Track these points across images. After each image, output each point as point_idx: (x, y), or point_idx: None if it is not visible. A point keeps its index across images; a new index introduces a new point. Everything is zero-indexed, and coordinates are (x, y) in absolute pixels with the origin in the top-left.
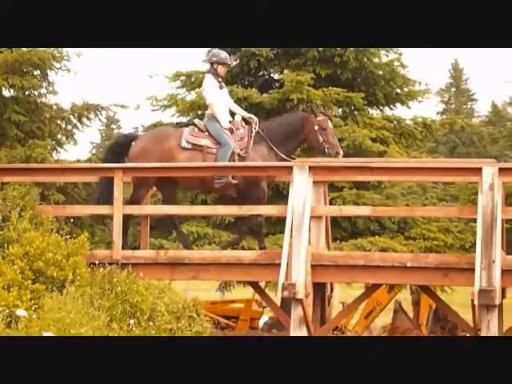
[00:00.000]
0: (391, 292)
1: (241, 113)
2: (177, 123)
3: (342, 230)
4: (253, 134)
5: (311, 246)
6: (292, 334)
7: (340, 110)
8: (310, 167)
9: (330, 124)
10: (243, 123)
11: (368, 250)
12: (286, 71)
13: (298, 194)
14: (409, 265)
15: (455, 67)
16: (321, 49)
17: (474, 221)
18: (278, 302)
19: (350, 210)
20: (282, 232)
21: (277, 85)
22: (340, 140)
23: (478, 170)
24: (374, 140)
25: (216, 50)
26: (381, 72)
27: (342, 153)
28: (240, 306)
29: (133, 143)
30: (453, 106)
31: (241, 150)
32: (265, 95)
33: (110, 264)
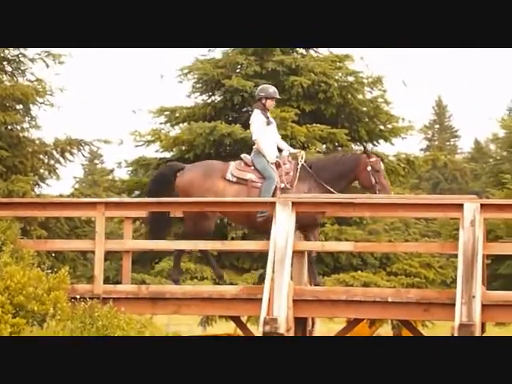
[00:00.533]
0: (372, 327)
1: (288, 148)
2: (160, 159)
3: (325, 265)
4: (298, 168)
5: (293, 281)
6: None
7: (324, 146)
8: (293, 203)
9: (382, 165)
10: (290, 158)
11: (350, 285)
12: None
13: (280, 229)
14: (390, 300)
15: (439, 104)
16: (305, 85)
17: (456, 256)
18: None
19: (332, 246)
20: (265, 267)
21: None
22: None
23: (460, 206)
24: None
25: (264, 85)
26: (365, 108)
27: (390, 193)
28: None
29: (178, 174)
30: (436, 142)
31: (287, 183)
32: (249, 131)
33: (92, 298)
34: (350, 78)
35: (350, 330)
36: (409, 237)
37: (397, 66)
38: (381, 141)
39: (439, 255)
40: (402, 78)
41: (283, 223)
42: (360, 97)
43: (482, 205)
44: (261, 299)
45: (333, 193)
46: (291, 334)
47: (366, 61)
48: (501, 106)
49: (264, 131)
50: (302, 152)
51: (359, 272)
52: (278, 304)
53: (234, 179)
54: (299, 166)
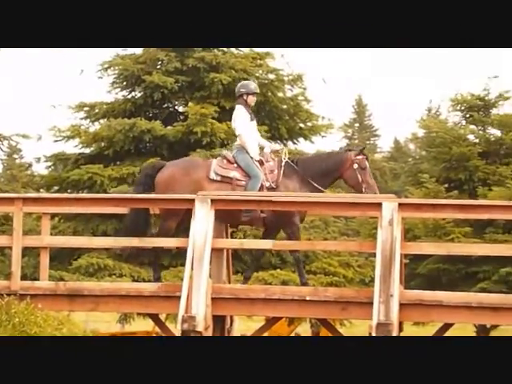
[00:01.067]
0: (291, 325)
1: (269, 145)
2: (79, 154)
3: (244, 263)
4: (283, 165)
5: (212, 279)
6: None
7: None
8: (211, 200)
9: (367, 164)
10: (272, 156)
11: (269, 283)
12: (190, 104)
13: (199, 227)
14: (308, 298)
15: (359, 103)
16: (225, 82)
17: (374, 255)
18: (178, 334)
19: (251, 244)
20: (183, 265)
21: (181, 117)
22: None
23: (378, 205)
24: None
25: (245, 81)
26: (285, 106)
27: (378, 193)
28: None
29: (160, 171)
30: (356, 141)
31: (272, 182)
32: (169, 128)
33: (9, 295)
34: (271, 76)
35: (268, 328)
36: (328, 235)
37: (318, 65)
38: (300, 139)
39: (358, 254)
40: (322, 76)
41: (202, 221)
42: (280, 94)
43: (400, 204)
44: (179, 297)
45: (320, 190)
46: (209, 332)
47: (286, 59)
48: (420, 107)
49: (247, 127)
50: (285, 148)
51: (278, 270)
52: (196, 302)
53: (218, 178)
54: (283, 163)
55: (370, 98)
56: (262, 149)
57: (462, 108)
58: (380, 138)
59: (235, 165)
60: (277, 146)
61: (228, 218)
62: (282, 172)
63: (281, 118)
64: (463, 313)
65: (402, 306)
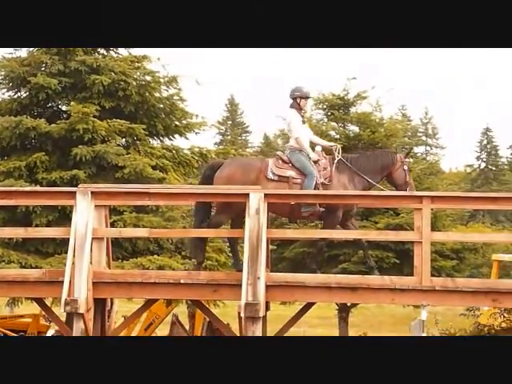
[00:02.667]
0: (169, 306)
1: (322, 143)
2: None
3: (124, 249)
4: (335, 162)
5: (93, 265)
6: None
7: (123, 140)
8: (92, 192)
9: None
10: (324, 153)
11: (147, 268)
12: (72, 103)
13: (80, 217)
14: (182, 281)
15: (231, 102)
16: (105, 83)
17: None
18: (64, 316)
19: (129, 232)
20: (67, 252)
21: (64, 116)
22: (123, 167)
23: (246, 196)
24: (154, 168)
25: (298, 86)
26: (161, 105)
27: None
28: (28, 320)
29: (219, 170)
30: (229, 137)
31: (325, 179)
32: (53, 125)
33: None
34: (148, 78)
35: (146, 309)
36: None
37: (192, 67)
38: (176, 135)
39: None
40: (195, 78)
41: (83, 212)
42: (157, 95)
43: (265, 194)
44: (62, 282)
45: (373, 184)
46: (91, 313)
47: (162, 61)
48: (287, 104)
49: (302, 129)
50: (338, 146)
51: (155, 256)
52: (78, 286)
53: (276, 177)
54: (336, 161)
55: (241, 97)
56: (313, 148)
57: (324, 106)
58: (251, 134)
59: (290, 164)
60: (330, 143)
61: (288, 214)
62: (333, 169)
63: (158, 116)
64: (324, 293)
65: (268, 287)
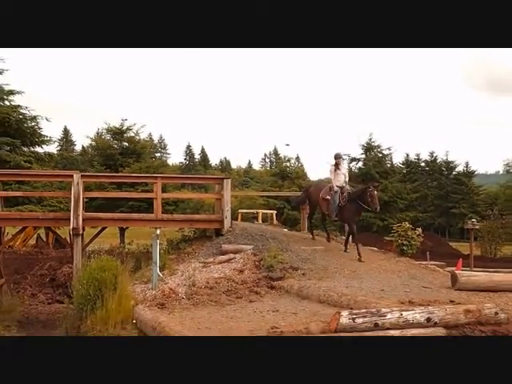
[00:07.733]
0: (35, 229)
1: (346, 184)
2: None
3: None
4: (345, 194)
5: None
6: None
7: (8, 147)
8: None
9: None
10: (344, 189)
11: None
12: None
13: None
14: (40, 217)
15: None
16: None
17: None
18: None
19: (11, 194)
20: None
21: None
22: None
23: (71, 176)
24: (25, 161)
25: (337, 152)
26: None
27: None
28: None
29: (310, 189)
30: None
31: (342, 201)
32: None
33: None
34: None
35: (23, 231)
36: None
37: None
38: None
39: None
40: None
41: None
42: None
43: (82, 175)
44: None
45: (366, 209)
46: None
47: None
48: None
49: (334, 176)
50: (349, 187)
51: (27, 205)
52: None
53: (326, 196)
54: (346, 193)
55: None
56: (342, 187)
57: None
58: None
59: (332, 192)
60: (347, 186)
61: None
62: (346, 197)
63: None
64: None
65: (84, 220)
